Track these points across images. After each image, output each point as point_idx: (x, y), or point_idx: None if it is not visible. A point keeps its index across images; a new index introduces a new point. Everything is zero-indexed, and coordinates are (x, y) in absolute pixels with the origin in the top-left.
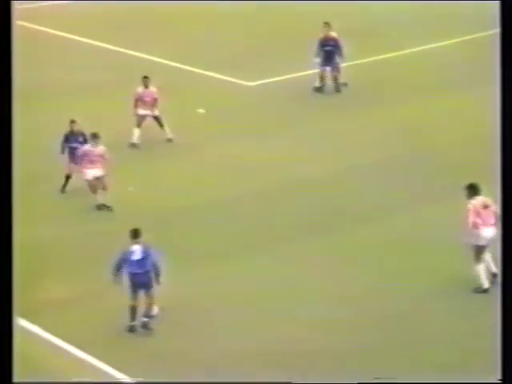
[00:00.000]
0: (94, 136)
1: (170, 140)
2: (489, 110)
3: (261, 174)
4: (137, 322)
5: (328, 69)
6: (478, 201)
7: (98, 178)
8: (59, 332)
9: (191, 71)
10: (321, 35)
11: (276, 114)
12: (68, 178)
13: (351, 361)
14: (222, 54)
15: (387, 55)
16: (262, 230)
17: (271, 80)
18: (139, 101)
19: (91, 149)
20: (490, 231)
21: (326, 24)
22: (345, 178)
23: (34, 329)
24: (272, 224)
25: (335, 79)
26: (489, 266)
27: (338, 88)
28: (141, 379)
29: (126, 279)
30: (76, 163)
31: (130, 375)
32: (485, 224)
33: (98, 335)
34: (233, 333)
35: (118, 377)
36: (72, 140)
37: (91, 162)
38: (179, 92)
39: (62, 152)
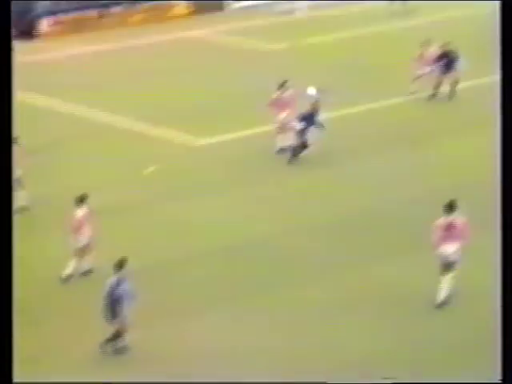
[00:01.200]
0: None
1: (24, 208)
2: None
3: (210, 233)
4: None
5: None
6: None
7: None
8: None
9: (136, 128)
10: None
11: (225, 173)
12: None
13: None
14: (168, 111)
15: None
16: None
17: (220, 139)
18: None
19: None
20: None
21: None
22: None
23: None
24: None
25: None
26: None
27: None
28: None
29: None
30: None
31: None
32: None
33: None
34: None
35: None
36: None
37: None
38: (127, 150)
39: None
